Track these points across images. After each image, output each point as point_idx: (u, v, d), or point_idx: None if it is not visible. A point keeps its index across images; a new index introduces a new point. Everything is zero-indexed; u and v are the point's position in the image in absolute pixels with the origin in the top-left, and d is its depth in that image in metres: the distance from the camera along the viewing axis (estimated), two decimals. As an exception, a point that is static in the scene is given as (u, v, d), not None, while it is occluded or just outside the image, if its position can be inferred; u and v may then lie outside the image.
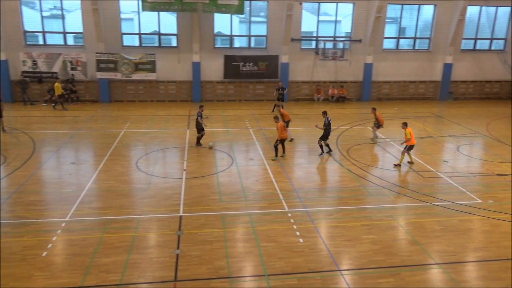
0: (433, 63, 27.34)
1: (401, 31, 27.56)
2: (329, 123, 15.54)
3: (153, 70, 24.64)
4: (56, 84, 22.43)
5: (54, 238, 9.48)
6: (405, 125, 14.69)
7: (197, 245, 9.29)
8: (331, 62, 26.15)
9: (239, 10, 23.15)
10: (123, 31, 24.61)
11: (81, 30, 24.17)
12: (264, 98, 26.36)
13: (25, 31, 23.97)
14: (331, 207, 11.51)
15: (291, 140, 17.19)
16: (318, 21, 26.17)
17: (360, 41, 26.07)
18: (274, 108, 22.74)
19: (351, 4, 25.71)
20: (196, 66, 24.97)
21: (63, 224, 10.13)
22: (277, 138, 15.17)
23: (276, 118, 15.52)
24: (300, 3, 24.91)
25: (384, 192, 12.43)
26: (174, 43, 25.43)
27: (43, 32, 24.25)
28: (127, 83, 25.04)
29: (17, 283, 7.88)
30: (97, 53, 23.89)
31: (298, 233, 9.88)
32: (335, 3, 25.72)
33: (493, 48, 28.11)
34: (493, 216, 10.94)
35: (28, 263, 8.50)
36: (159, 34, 25.12)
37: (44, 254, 8.85)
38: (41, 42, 24.51)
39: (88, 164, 14.66)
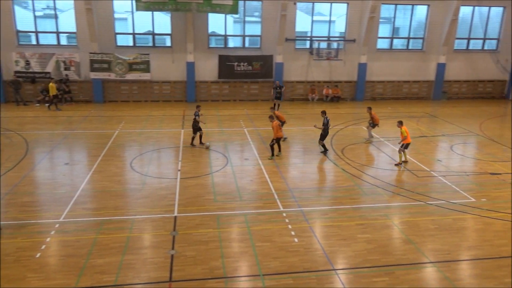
0: (427, 63, 27.50)
1: (395, 31, 27.69)
2: (327, 123, 15.58)
3: (147, 70, 24.55)
4: (51, 84, 22.30)
5: (48, 239, 9.42)
6: (400, 123, 14.75)
7: (192, 246, 9.27)
8: (326, 62, 26.22)
9: (233, 10, 23.13)
10: (117, 31, 24.51)
11: (74, 30, 24.04)
12: (259, 98, 26.38)
13: (18, 31, 23.80)
14: (326, 207, 11.53)
15: (284, 139, 17.20)
16: (312, 21, 26.23)
17: (354, 41, 26.16)
18: (275, 106, 22.86)
19: (345, 4, 25.79)
20: (190, 66, 24.92)
21: (57, 225, 10.06)
22: (272, 137, 15.19)
23: (271, 117, 15.54)
24: (294, 3, 24.95)
25: (379, 192, 12.47)
26: (168, 43, 25.37)
27: (36, 32, 24.09)
28: (121, 83, 24.95)
29: (11, 284, 7.82)
30: (90, 53, 23.77)
31: (293, 233, 9.89)
32: (329, 3, 25.78)
33: (486, 48, 28.32)
34: (486, 215, 11.02)
35: (21, 264, 8.44)
36: (153, 34, 25.04)
37: (38, 255, 8.79)
38: (34, 42, 24.35)
39: (82, 164, 14.58)
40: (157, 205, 11.28)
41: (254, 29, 25.92)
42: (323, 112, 15.89)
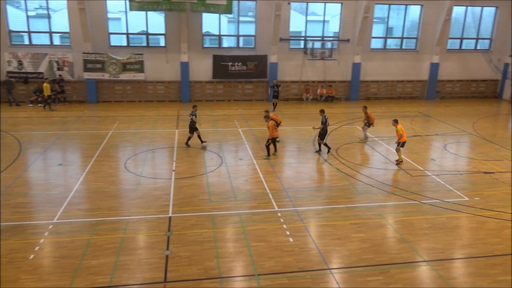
0: (420, 63, 27.63)
1: (389, 31, 27.80)
2: (326, 121, 15.61)
3: (141, 70, 24.46)
4: (45, 84, 22.16)
5: (42, 241, 9.36)
6: (395, 122, 14.82)
7: (187, 246, 9.26)
8: (320, 62, 26.27)
9: (227, 10, 23.11)
10: (111, 30, 24.39)
11: (67, 30, 23.89)
12: (253, 98, 26.38)
13: (10, 31, 23.61)
14: (320, 206, 11.56)
15: (278, 141, 17.18)
16: (307, 21, 26.26)
17: (348, 41, 26.23)
18: (274, 107, 22.95)
19: (339, 4, 25.85)
20: (184, 66, 24.87)
21: (51, 227, 10.00)
22: (268, 137, 15.19)
23: (266, 117, 15.53)
24: (289, 3, 24.96)
25: (373, 191, 12.52)
26: (162, 43, 25.29)
27: (29, 32, 23.92)
28: (115, 83, 24.83)
29: (4, 286, 7.76)
30: (84, 53, 23.64)
31: (288, 233, 9.90)
32: (323, 3, 25.82)
33: (478, 47, 28.49)
34: (479, 214, 11.10)
35: (15, 266, 8.38)
36: (147, 34, 24.96)
37: (31, 257, 8.74)
38: (26, 42, 24.18)
39: (75, 165, 14.50)
40: (152, 206, 11.25)
41: (248, 29, 25.91)
42: (322, 111, 15.91)
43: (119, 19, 26.37)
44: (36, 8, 26.27)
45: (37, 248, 9.07)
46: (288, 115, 22.17)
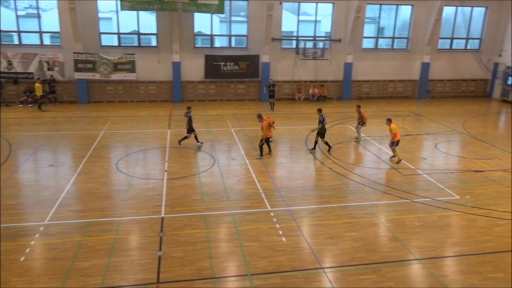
0: (411, 63, 27.82)
1: (380, 30, 27.95)
2: (323, 120, 15.67)
3: (132, 70, 24.32)
4: (37, 84, 21.97)
5: (32, 243, 9.27)
6: (389, 121, 14.91)
7: (180, 246, 9.23)
8: (312, 62, 26.33)
9: (219, 9, 23.07)
10: (101, 30, 24.22)
11: (57, 30, 23.67)
12: (245, 98, 26.36)
13: (0, 31, 23.34)
14: (313, 206, 11.59)
15: (271, 141, 17.20)
16: (298, 21, 26.31)
17: (339, 40, 26.32)
18: (271, 105, 23.11)
19: (331, 4, 25.93)
20: (176, 66, 24.78)
21: (41, 228, 9.91)
22: (261, 137, 15.20)
23: (260, 117, 15.55)
24: (280, 3, 24.99)
25: (365, 190, 12.58)
26: (153, 42, 25.17)
27: (19, 32, 23.66)
28: (106, 83, 24.66)
29: (-6, 289, 7.69)
30: (74, 53, 23.45)
31: (280, 232, 9.92)
32: (315, 3, 25.89)
33: (468, 47, 28.75)
34: (470, 212, 11.21)
35: (5, 268, 8.29)
36: (138, 33, 24.81)
37: (22, 259, 8.65)
38: (16, 42, 23.90)
39: (66, 166, 14.38)
40: (144, 206, 11.20)
41: (240, 29, 25.88)
42: (319, 110, 15.99)
43: (110, 18, 26.19)
44: (26, 8, 25.97)
45: (28, 250, 8.98)
46: (280, 114, 22.19)
